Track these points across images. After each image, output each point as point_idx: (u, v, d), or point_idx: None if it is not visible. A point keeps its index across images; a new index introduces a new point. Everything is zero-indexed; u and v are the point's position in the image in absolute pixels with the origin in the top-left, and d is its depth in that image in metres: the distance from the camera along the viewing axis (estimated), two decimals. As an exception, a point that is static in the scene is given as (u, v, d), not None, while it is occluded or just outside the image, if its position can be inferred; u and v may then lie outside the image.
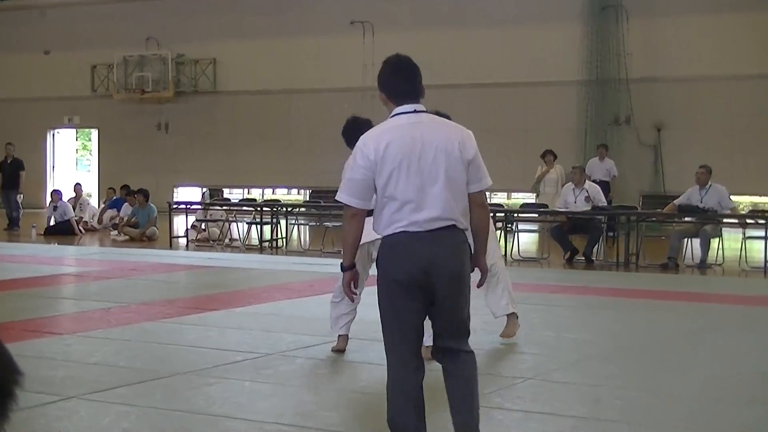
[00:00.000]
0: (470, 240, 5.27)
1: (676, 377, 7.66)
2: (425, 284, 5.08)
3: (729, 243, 17.04)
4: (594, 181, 19.60)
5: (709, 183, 16.19)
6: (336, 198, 5.25)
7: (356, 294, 5.30)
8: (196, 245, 20.04)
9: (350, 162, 5.30)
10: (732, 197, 16.74)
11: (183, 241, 20.49)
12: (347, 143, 7.84)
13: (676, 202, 16.56)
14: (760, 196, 25.87)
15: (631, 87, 25.52)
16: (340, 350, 8.12)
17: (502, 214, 17.99)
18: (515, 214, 18.81)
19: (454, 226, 5.12)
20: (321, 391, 6.73)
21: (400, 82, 5.33)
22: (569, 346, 8.73)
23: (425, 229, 5.08)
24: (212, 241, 20.29)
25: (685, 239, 16.76)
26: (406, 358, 5.13)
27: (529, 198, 22.24)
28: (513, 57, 26.68)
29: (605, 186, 20.93)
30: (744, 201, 24.58)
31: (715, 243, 16.40)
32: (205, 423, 6.16)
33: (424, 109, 5.30)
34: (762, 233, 15.95)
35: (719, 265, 16.23)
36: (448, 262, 5.09)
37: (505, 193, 29.09)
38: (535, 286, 12.89)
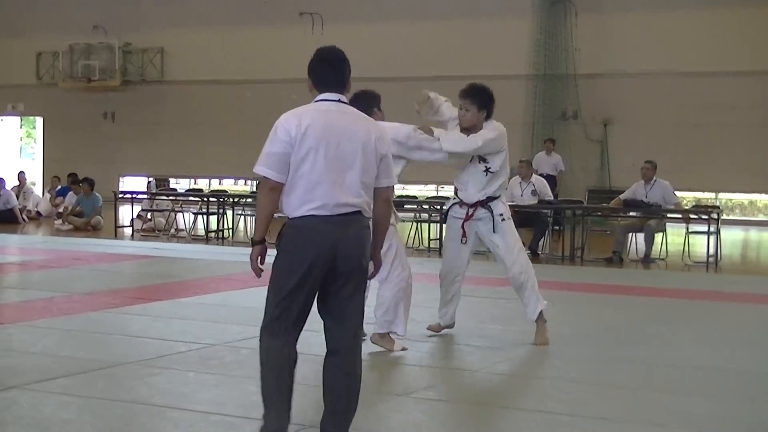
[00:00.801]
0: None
1: (621, 369, 7.72)
2: (329, 268, 5.17)
3: (672, 238, 17.23)
4: (541, 175, 19.71)
5: (654, 178, 16.34)
6: (254, 170, 5.27)
7: (263, 270, 5.31)
8: (142, 235, 19.93)
9: (270, 136, 5.30)
10: (676, 193, 16.90)
11: (128, 230, 20.36)
12: None
13: (622, 196, 16.70)
14: (704, 191, 26.13)
15: (579, 82, 25.70)
16: None
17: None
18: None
19: (360, 213, 5.27)
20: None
21: (328, 71, 5.47)
22: (515, 338, 8.75)
23: (334, 213, 5.19)
24: (158, 231, 20.18)
25: (630, 234, 16.92)
26: (280, 335, 5.23)
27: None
28: (462, 50, 26.74)
29: (552, 180, 21.05)
30: (688, 197, 24.82)
31: (659, 238, 16.58)
32: (148, 413, 6.11)
33: (348, 101, 5.48)
34: (705, 228, 16.11)
35: (663, 259, 16.40)
36: (353, 247, 5.23)
37: (453, 186, 29.14)
38: (481, 279, 12.94)
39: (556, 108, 26.03)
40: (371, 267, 5.48)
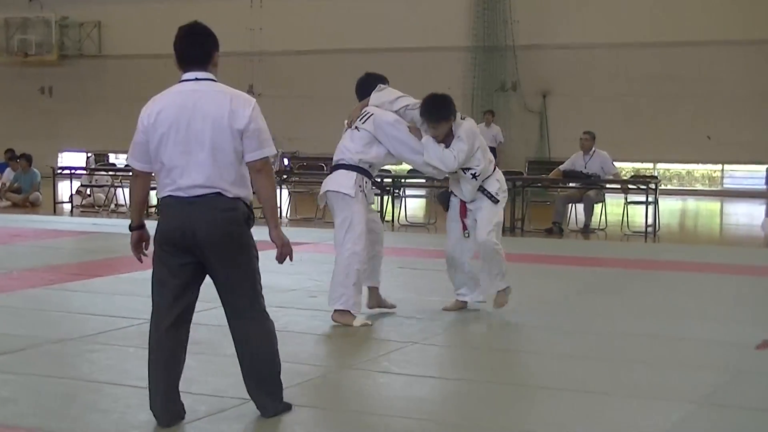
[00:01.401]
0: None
1: (561, 338, 7.81)
2: (188, 249, 5.24)
3: (612, 208, 17.38)
4: (481, 147, 19.71)
5: (593, 149, 16.44)
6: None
7: (145, 255, 5.39)
8: (81, 211, 19.77)
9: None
10: (615, 163, 17.03)
11: (68, 206, 20.19)
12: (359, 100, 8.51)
13: (561, 167, 16.79)
14: (643, 162, 26.37)
15: (518, 54, 25.80)
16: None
17: (390, 180, 18.08)
18: (402, 180, 18.90)
19: (219, 194, 5.21)
20: (205, 357, 6.71)
21: (186, 47, 5.43)
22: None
23: (189, 195, 5.21)
24: (98, 206, 20.01)
25: (570, 204, 17.04)
26: (161, 317, 5.32)
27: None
28: (402, 23, 26.73)
29: (492, 152, 20.99)
30: (627, 167, 25.01)
31: (598, 208, 16.71)
32: (88, 389, 6.10)
33: (209, 77, 5.37)
34: (643, 198, 16.27)
35: (602, 229, 16.55)
36: (208, 229, 5.19)
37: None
38: (421, 251, 13.01)
39: (495, 80, 26.12)
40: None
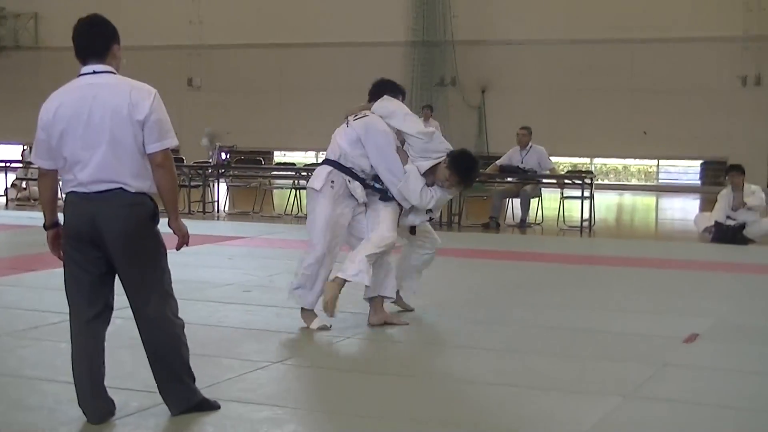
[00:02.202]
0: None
1: (492, 332, 7.85)
2: (93, 244, 5.18)
3: (548, 203, 17.51)
4: (419, 141, 19.76)
5: (530, 144, 16.56)
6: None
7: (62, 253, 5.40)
8: (17, 204, 19.57)
9: None
10: (553, 158, 17.16)
11: (2, 200, 19.97)
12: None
13: (498, 162, 16.89)
14: (580, 157, 26.59)
15: (457, 49, 25.91)
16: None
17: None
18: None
19: (121, 189, 5.14)
20: (138, 351, 6.68)
21: (83, 40, 5.38)
22: (389, 304, 8.83)
23: (90, 191, 5.15)
24: (33, 200, 19.80)
25: (507, 199, 17.15)
26: (81, 310, 5.31)
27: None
28: (342, 18, 26.74)
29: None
30: (564, 162, 25.23)
31: (535, 203, 16.83)
32: (17, 385, 6.05)
33: (107, 70, 5.29)
34: (579, 193, 16.41)
35: (539, 224, 16.70)
36: (111, 226, 5.13)
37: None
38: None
39: (435, 75, 26.21)
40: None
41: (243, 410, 5.61)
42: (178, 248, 5.41)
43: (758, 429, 5.53)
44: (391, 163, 7.72)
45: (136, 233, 5.16)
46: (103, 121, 5.10)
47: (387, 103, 7.92)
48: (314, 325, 7.76)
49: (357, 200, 7.83)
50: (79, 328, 5.32)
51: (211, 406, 5.47)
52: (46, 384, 6.06)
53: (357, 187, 7.79)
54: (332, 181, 7.72)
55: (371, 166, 7.77)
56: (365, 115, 7.84)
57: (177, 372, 5.36)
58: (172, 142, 5.23)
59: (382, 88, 8.19)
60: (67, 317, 5.42)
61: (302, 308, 7.91)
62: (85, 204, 5.15)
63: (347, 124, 7.88)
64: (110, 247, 5.15)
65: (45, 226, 5.42)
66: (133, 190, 5.14)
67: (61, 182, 5.35)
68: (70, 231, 5.23)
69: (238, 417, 5.47)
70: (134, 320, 5.36)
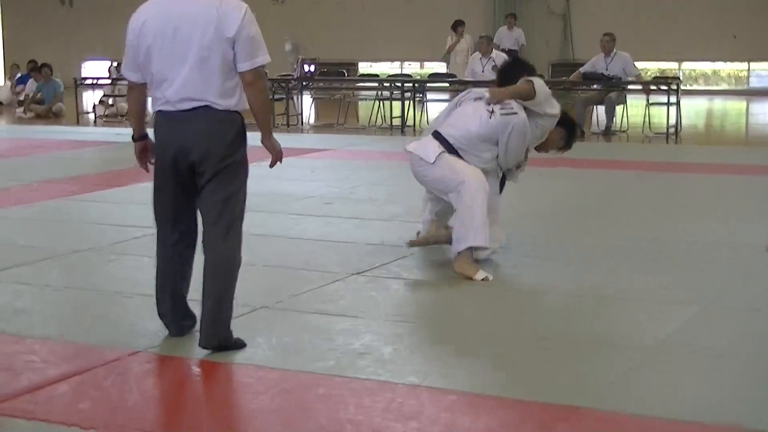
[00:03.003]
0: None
1: (576, 242, 7.81)
2: (179, 164, 5.10)
3: (634, 110, 17.25)
4: (503, 50, 19.61)
5: (614, 50, 16.29)
6: None
7: (151, 163, 5.36)
8: (105, 121, 19.80)
9: None
10: (640, 64, 16.85)
11: (91, 116, 20.22)
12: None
13: (581, 69, 16.66)
14: (667, 61, 26.09)
15: (541, -45, 25.45)
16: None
17: (411, 85, 18.04)
18: (424, 84, 18.86)
19: (207, 107, 5.01)
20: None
21: None
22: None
23: (177, 109, 5.04)
24: (121, 116, 20.00)
25: (591, 106, 16.94)
26: (166, 234, 5.30)
27: (441, 68, 22.19)
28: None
29: (515, 55, 20.95)
30: (652, 68, 24.78)
31: (619, 110, 16.59)
32: (101, 300, 6.18)
33: None
34: (665, 99, 16.13)
35: (624, 131, 16.46)
36: (198, 143, 5.03)
37: (418, 63, 29.01)
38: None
39: (519, -18, 25.83)
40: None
41: (320, 321, 5.67)
42: (272, 165, 5.33)
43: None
44: (518, 157, 7.29)
45: (223, 152, 5.04)
46: (190, 37, 4.96)
47: (545, 88, 7.29)
48: (479, 276, 6.76)
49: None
50: (164, 251, 5.32)
51: (238, 344, 5.21)
52: (128, 299, 6.17)
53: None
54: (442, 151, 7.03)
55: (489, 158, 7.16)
56: (514, 112, 7.06)
57: (223, 304, 5.14)
58: (265, 59, 5.06)
59: (518, 69, 7.46)
60: (150, 232, 5.49)
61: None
62: (173, 123, 5.06)
63: (491, 112, 7.06)
64: (195, 166, 5.06)
65: (133, 138, 5.41)
66: (220, 108, 5.02)
67: (150, 100, 5.28)
68: (158, 150, 5.20)
69: (316, 329, 5.52)
70: (203, 236, 5.24)
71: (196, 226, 5.32)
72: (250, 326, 5.50)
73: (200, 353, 5.09)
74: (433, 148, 7.02)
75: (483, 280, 6.64)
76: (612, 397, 4.54)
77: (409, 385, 4.63)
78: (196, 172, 5.09)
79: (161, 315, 5.38)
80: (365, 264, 7.03)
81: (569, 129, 7.67)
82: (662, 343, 5.28)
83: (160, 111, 5.12)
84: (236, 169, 5.12)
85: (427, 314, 6.00)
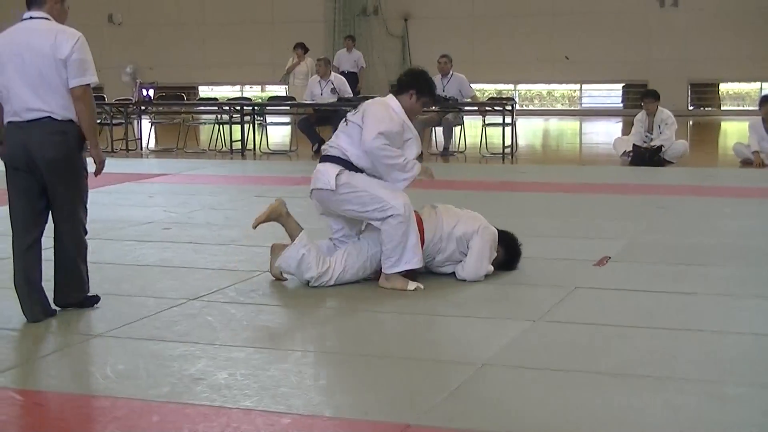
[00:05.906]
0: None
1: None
2: (27, 169, 6.05)
3: (471, 131, 17.55)
4: (342, 72, 19.80)
5: (451, 72, 16.58)
6: None
7: None
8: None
9: None
10: (477, 85, 17.18)
11: None
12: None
13: (418, 91, 16.84)
14: (504, 83, 26.69)
15: (378, -23, 25.75)
16: None
17: (250, 108, 18.04)
18: (264, 108, 18.88)
19: (49, 117, 6.02)
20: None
21: None
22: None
23: (24, 119, 6.04)
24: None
25: (429, 128, 17.18)
26: (19, 236, 6.15)
27: (281, 91, 22.24)
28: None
29: (354, 77, 21.18)
30: (489, 89, 25.32)
31: (457, 131, 16.89)
32: None
33: (43, 16, 6.14)
34: (500, 120, 16.45)
35: (461, 152, 16.75)
36: (39, 149, 6.01)
37: (259, 86, 29.03)
38: (283, 178, 13.06)
39: (356, 4, 26.06)
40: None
41: (156, 348, 5.64)
42: (96, 174, 6.27)
43: (663, 347, 5.65)
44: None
45: (63, 155, 6.04)
46: (32, 60, 6.01)
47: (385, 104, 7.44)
48: (410, 287, 6.99)
49: None
50: (19, 254, 6.14)
51: (92, 301, 6.43)
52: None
53: None
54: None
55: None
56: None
57: (77, 279, 6.28)
58: (92, 79, 6.12)
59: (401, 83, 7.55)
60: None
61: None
62: (18, 132, 6.05)
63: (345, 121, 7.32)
64: (41, 170, 6.01)
65: None
66: (59, 118, 6.03)
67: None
68: (8, 158, 6.10)
69: (151, 355, 5.49)
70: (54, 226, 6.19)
71: (43, 228, 6.24)
72: (83, 355, 5.44)
73: (29, 384, 5.02)
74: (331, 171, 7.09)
75: (414, 290, 6.89)
76: (440, 413, 4.62)
77: (244, 409, 4.66)
78: (43, 174, 6.04)
79: (21, 304, 6.13)
80: (202, 289, 7.02)
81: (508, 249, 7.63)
82: (489, 359, 5.41)
83: (10, 122, 6.10)
84: (76, 171, 6.15)
85: (264, 338, 6.02)
